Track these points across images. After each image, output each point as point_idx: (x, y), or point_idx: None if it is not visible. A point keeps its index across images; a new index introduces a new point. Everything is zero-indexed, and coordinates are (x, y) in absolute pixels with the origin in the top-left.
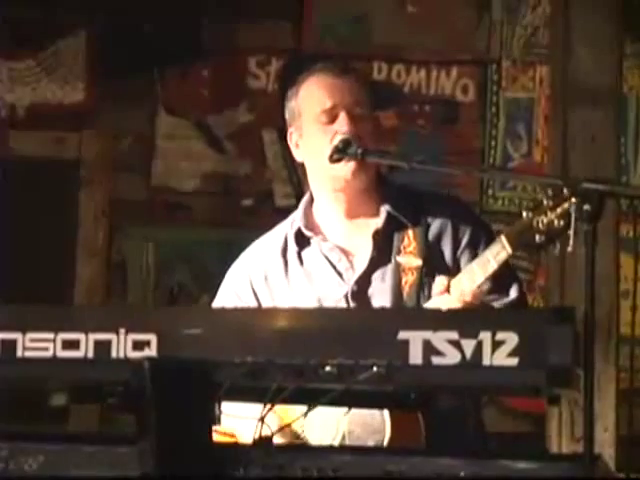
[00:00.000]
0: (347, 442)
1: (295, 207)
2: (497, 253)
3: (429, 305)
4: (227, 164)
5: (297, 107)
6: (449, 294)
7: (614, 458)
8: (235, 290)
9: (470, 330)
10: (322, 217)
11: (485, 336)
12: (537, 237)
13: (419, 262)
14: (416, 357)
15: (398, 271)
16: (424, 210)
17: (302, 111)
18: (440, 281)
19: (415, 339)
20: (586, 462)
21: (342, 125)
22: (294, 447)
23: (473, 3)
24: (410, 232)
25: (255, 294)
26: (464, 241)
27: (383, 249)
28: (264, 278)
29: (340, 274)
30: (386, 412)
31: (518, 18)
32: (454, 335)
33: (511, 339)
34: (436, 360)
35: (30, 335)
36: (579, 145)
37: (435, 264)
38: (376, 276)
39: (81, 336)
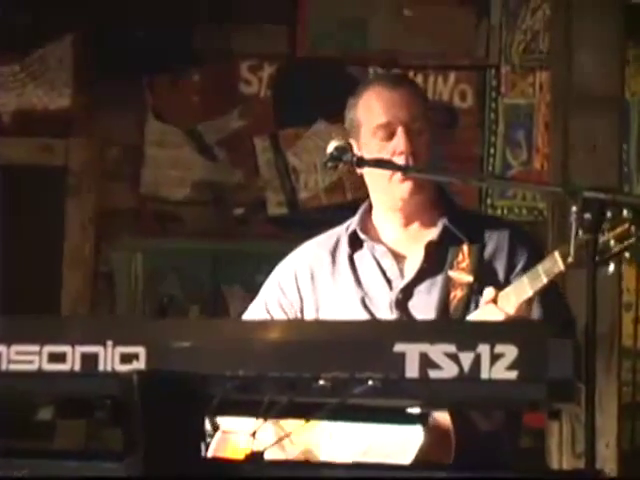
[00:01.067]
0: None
1: (288, 216)
2: (549, 268)
3: (472, 316)
4: (218, 172)
5: (356, 119)
6: (495, 305)
7: (616, 474)
8: (279, 283)
9: (468, 343)
10: (380, 223)
11: (483, 349)
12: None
13: (470, 279)
14: (413, 370)
15: (448, 285)
16: (482, 229)
17: (361, 124)
18: (488, 292)
19: (412, 352)
20: (587, 478)
21: (400, 143)
22: (287, 462)
23: (471, 7)
24: (465, 248)
25: (299, 289)
26: (519, 266)
27: (434, 261)
28: (310, 274)
29: (389, 281)
30: (419, 429)
31: (517, 22)
32: (452, 348)
33: (510, 352)
34: (433, 374)
35: (15, 348)
36: (580, 153)
37: (487, 283)
38: (422, 288)
39: (67, 349)
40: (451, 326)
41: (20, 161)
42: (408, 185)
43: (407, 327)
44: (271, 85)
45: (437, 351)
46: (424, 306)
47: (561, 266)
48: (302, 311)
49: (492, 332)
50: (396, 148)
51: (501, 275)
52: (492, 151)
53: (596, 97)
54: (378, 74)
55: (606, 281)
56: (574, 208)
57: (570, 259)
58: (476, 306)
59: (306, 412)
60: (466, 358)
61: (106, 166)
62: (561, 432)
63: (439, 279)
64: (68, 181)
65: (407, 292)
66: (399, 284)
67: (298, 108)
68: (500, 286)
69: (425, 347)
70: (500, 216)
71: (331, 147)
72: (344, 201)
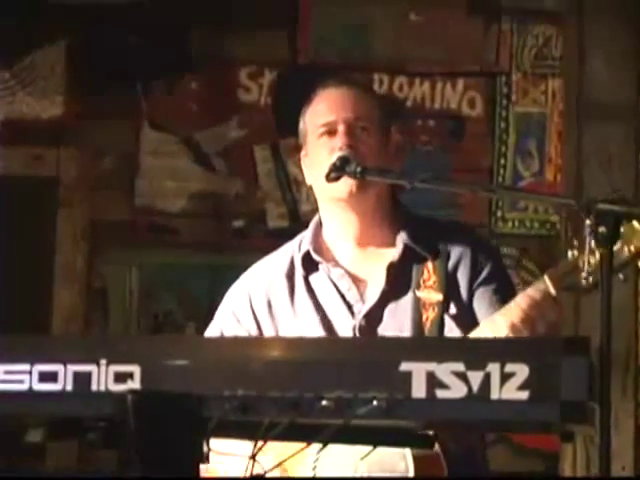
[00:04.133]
0: None
1: (289, 229)
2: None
3: (476, 333)
4: (216, 183)
5: (304, 126)
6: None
7: None
8: (234, 311)
9: (477, 361)
10: (332, 241)
11: (493, 368)
12: (583, 279)
13: (440, 297)
14: (419, 390)
15: (418, 307)
16: (443, 238)
17: (307, 129)
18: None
19: (418, 371)
20: None
21: (339, 139)
22: None
23: (481, 11)
24: (430, 265)
25: (255, 318)
26: (483, 274)
27: (397, 282)
28: (267, 301)
29: (350, 306)
30: (408, 451)
31: (529, 27)
32: (460, 367)
33: (521, 371)
34: (441, 393)
35: (4, 367)
36: (594, 164)
37: (450, 297)
38: (386, 312)
39: (59, 367)
40: (459, 344)
41: (9, 172)
42: (349, 184)
43: (413, 345)
44: (271, 92)
45: (445, 370)
46: (393, 332)
47: (552, 291)
48: None
49: (502, 350)
50: (335, 145)
51: (464, 285)
52: (502, 162)
53: (611, 105)
54: (328, 78)
55: (622, 297)
56: (588, 221)
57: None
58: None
59: (308, 434)
60: (475, 377)
61: (99, 177)
62: (575, 455)
63: (406, 301)
64: (60, 192)
65: (370, 317)
66: (361, 309)
67: (299, 116)
68: (463, 299)
69: (432, 366)
70: (461, 222)
71: (334, 157)
72: None
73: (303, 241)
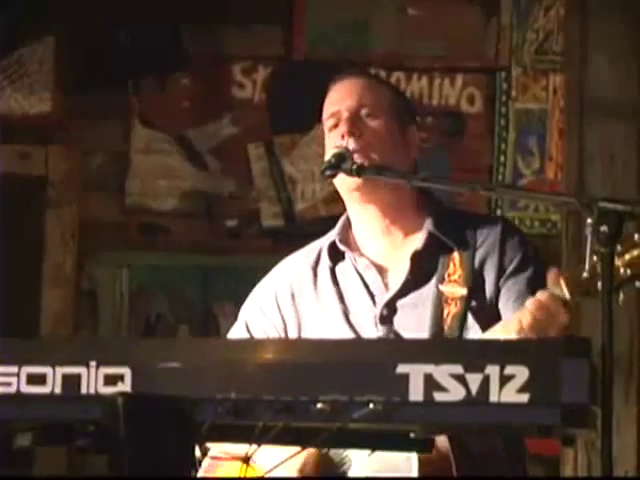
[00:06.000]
0: None
1: (284, 229)
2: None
3: (487, 334)
4: (209, 182)
5: (322, 121)
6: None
7: None
8: (259, 304)
9: (476, 363)
10: (360, 232)
11: (492, 370)
12: (600, 284)
13: (464, 292)
14: (417, 393)
15: (440, 301)
16: (472, 230)
17: (323, 123)
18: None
19: (415, 373)
20: None
21: (342, 126)
22: None
23: (480, 5)
24: (456, 257)
25: (280, 310)
26: (509, 269)
27: (420, 272)
28: (290, 293)
29: (372, 295)
30: (414, 456)
31: (529, 22)
32: (458, 369)
33: (521, 373)
34: (438, 396)
35: None
36: (597, 162)
37: (475, 291)
38: (407, 301)
39: (48, 370)
40: (458, 345)
41: None
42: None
43: (410, 347)
44: (266, 89)
45: (443, 372)
46: (413, 322)
47: (567, 296)
48: (286, 332)
49: (502, 352)
50: (339, 133)
51: (490, 281)
52: (502, 159)
53: (614, 102)
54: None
55: (624, 297)
56: (589, 220)
57: (585, 274)
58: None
59: (303, 438)
60: (474, 380)
61: (89, 175)
62: (576, 460)
63: (428, 293)
64: (48, 192)
65: (392, 306)
66: (383, 298)
67: (294, 113)
68: (488, 296)
69: (430, 368)
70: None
71: (329, 154)
72: (343, 212)
73: (331, 234)
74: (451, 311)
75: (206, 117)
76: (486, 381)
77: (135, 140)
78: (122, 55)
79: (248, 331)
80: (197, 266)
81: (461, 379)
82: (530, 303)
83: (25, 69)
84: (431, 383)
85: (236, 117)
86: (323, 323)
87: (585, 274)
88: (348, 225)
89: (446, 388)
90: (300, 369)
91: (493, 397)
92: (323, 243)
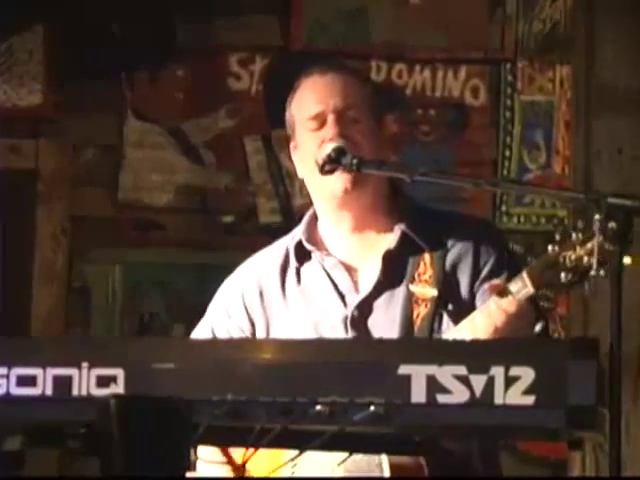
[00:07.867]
0: None
1: (281, 225)
2: (517, 291)
3: (452, 334)
4: (205, 176)
5: (291, 117)
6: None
7: None
8: (225, 306)
9: (480, 364)
10: (327, 232)
11: (497, 371)
12: (563, 275)
13: (434, 292)
14: (419, 395)
15: (410, 302)
16: (445, 231)
17: (295, 120)
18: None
19: (418, 374)
20: None
21: (329, 130)
22: None
23: None
24: (427, 257)
25: (247, 312)
26: (484, 273)
27: (392, 272)
28: (259, 295)
29: (342, 296)
30: (384, 457)
31: (535, 11)
32: (462, 370)
33: (527, 375)
34: (442, 398)
35: None
36: (604, 156)
37: (449, 295)
38: (380, 303)
39: (38, 371)
40: (461, 345)
41: None
42: (345, 178)
43: (413, 347)
44: (263, 80)
45: (446, 373)
46: (384, 325)
47: (530, 288)
48: (253, 334)
49: (507, 353)
50: (325, 136)
51: (464, 284)
52: (507, 153)
53: (622, 95)
54: (314, 65)
55: (633, 297)
56: (597, 216)
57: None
58: (440, 323)
59: (301, 441)
60: (478, 381)
61: (81, 170)
62: (584, 463)
63: (399, 294)
64: (38, 187)
65: (363, 308)
66: (354, 299)
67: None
68: (463, 299)
69: (433, 369)
70: (468, 214)
71: (328, 149)
72: None
73: (297, 232)
74: (421, 312)
75: (201, 109)
76: (491, 382)
77: (128, 133)
78: (115, 46)
79: (213, 335)
80: (192, 263)
81: (465, 380)
82: (494, 311)
83: (15, 60)
84: (434, 384)
85: (232, 109)
86: (291, 325)
87: (592, 272)
88: (314, 223)
89: (449, 390)
90: (298, 370)
91: (498, 399)
92: (289, 242)
